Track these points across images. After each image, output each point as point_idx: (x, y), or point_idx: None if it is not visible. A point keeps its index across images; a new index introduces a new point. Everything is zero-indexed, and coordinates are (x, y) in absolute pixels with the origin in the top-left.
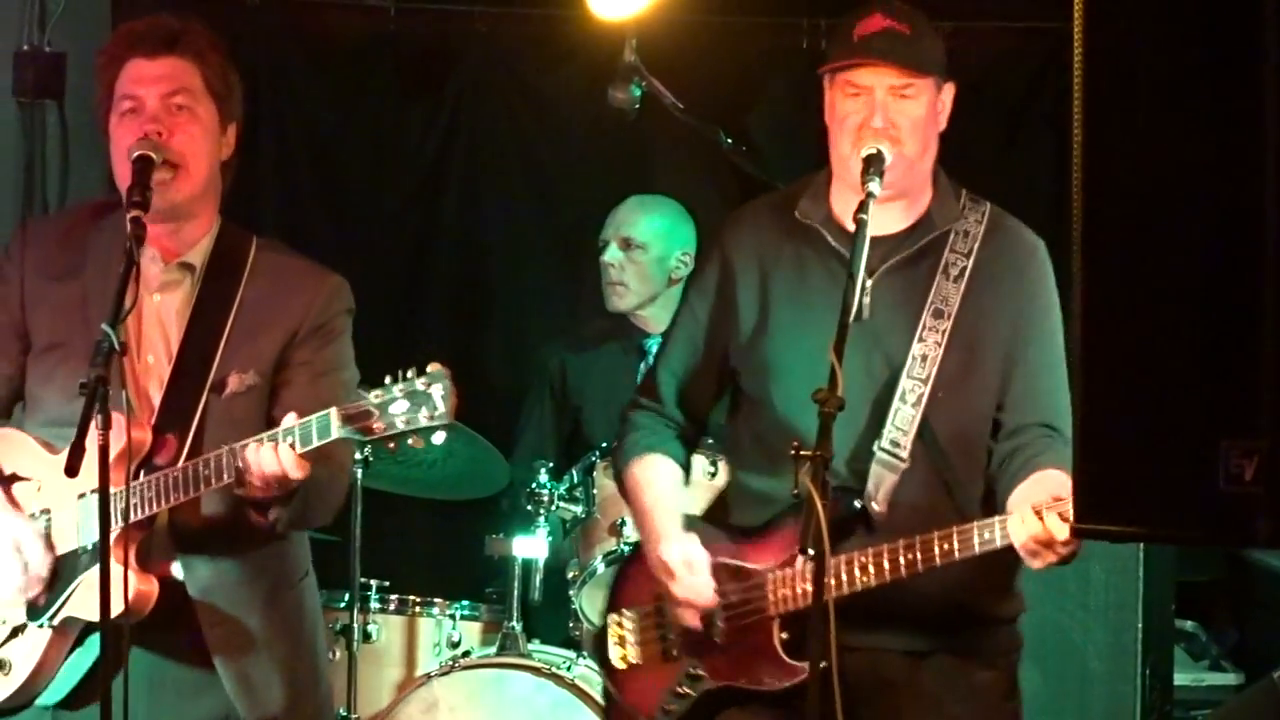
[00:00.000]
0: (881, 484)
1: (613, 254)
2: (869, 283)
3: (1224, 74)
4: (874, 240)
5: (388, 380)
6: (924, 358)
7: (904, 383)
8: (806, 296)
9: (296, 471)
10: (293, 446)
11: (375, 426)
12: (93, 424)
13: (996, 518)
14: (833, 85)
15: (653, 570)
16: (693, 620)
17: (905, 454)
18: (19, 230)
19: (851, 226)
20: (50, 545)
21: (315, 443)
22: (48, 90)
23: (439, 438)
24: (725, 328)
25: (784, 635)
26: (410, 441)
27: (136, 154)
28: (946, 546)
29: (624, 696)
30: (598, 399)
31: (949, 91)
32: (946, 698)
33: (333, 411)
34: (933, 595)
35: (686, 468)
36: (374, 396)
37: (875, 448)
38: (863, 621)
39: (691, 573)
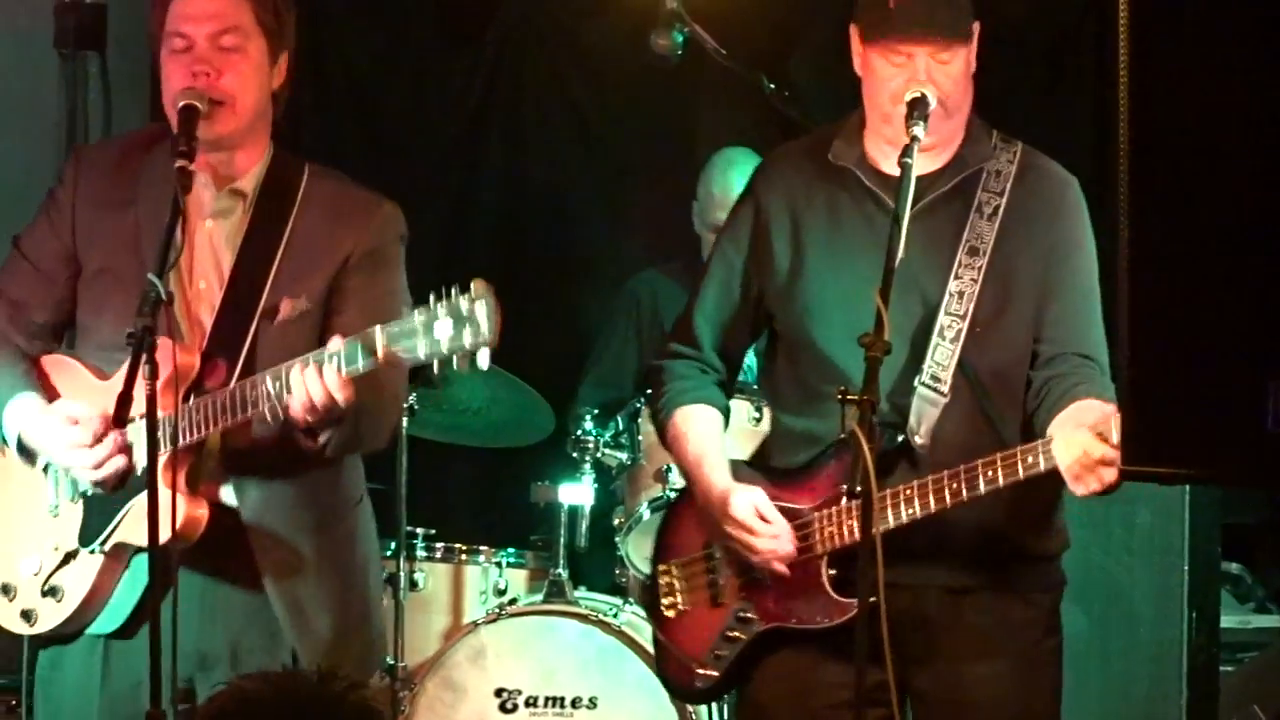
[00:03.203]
0: (923, 418)
1: None
2: (905, 223)
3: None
4: None
5: (431, 300)
6: (960, 294)
7: (941, 319)
8: (841, 238)
9: (340, 393)
10: (338, 370)
11: (419, 348)
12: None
13: (1040, 441)
14: (869, 45)
15: (720, 528)
16: (781, 569)
17: (945, 388)
18: (71, 157)
19: (885, 168)
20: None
21: (360, 364)
22: (88, 41)
23: (484, 361)
24: (759, 271)
25: (832, 572)
26: (455, 365)
27: (182, 104)
28: (991, 474)
29: (675, 644)
30: None
31: (976, 31)
32: (987, 634)
33: (376, 331)
34: (973, 532)
35: (726, 413)
36: (418, 316)
37: (915, 383)
38: (904, 559)
39: (767, 522)
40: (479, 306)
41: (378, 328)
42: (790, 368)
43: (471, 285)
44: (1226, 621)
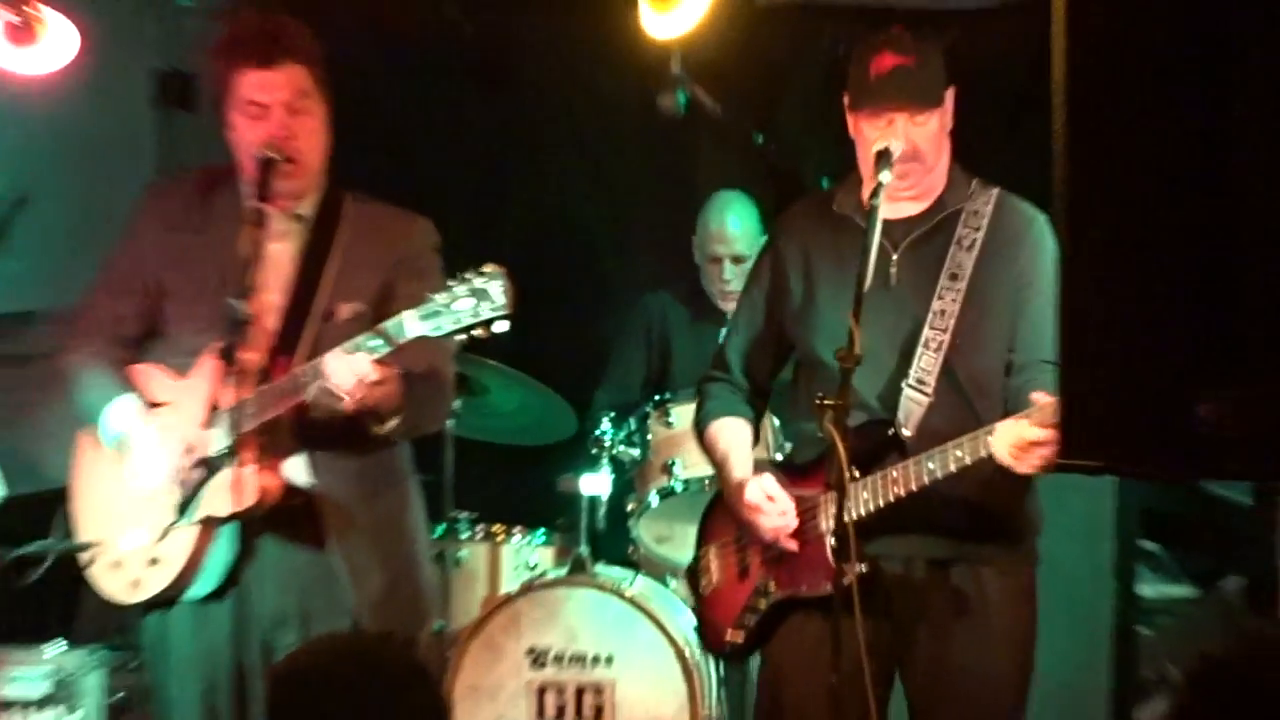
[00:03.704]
0: (910, 414)
1: (731, 272)
2: (895, 255)
3: (1201, 56)
4: (897, 222)
5: (450, 282)
6: (943, 312)
7: (926, 333)
8: (844, 273)
9: (374, 374)
10: (369, 353)
11: (445, 323)
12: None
13: (992, 424)
14: (856, 113)
15: (740, 513)
16: (790, 545)
17: (929, 390)
18: (145, 192)
19: (880, 214)
20: (189, 450)
21: (396, 340)
22: (181, 104)
23: (501, 327)
24: (778, 304)
25: (833, 543)
26: (479, 333)
27: (262, 156)
28: (959, 453)
29: (710, 613)
30: (687, 346)
31: (951, 94)
32: (970, 602)
33: (404, 314)
34: (957, 511)
35: (752, 420)
36: (440, 297)
37: (903, 385)
38: (896, 533)
39: (775, 503)
40: (493, 283)
41: (405, 311)
42: (806, 383)
43: (484, 267)
44: (1146, 592)
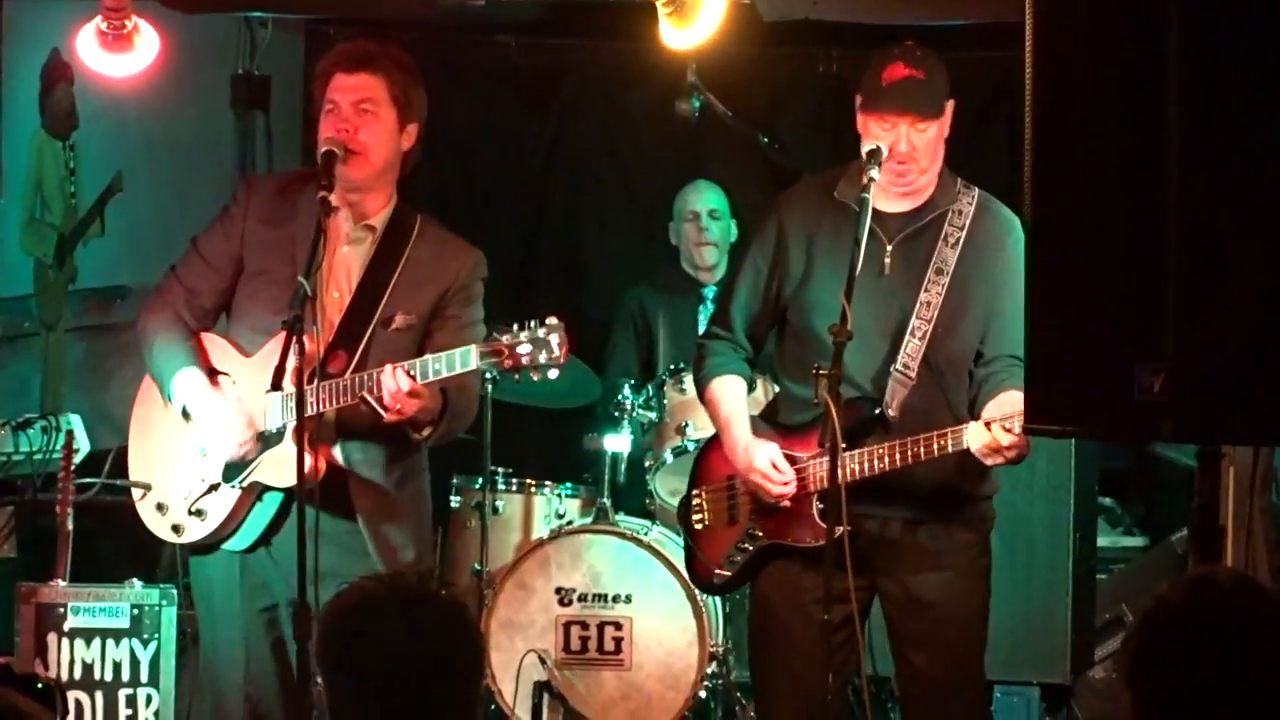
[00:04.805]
0: (895, 396)
1: (708, 222)
2: (889, 247)
3: (1140, 91)
4: (891, 216)
5: (516, 326)
6: (928, 304)
7: (913, 322)
8: (841, 256)
9: (424, 390)
10: (437, 374)
11: (505, 363)
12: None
13: (968, 424)
14: (865, 112)
15: (744, 474)
16: (784, 502)
17: (913, 374)
18: (243, 184)
19: (877, 205)
20: (248, 422)
21: (458, 370)
22: (256, 105)
23: (553, 374)
24: (779, 276)
25: (819, 506)
26: (533, 376)
27: (323, 150)
28: (941, 443)
29: (701, 550)
30: (668, 332)
31: (951, 107)
32: (937, 553)
33: (472, 348)
34: (927, 477)
35: (750, 381)
36: (506, 338)
37: (891, 369)
38: (875, 497)
39: (781, 473)
40: (553, 335)
41: (473, 345)
42: (797, 350)
43: (549, 319)
44: (1102, 542)
